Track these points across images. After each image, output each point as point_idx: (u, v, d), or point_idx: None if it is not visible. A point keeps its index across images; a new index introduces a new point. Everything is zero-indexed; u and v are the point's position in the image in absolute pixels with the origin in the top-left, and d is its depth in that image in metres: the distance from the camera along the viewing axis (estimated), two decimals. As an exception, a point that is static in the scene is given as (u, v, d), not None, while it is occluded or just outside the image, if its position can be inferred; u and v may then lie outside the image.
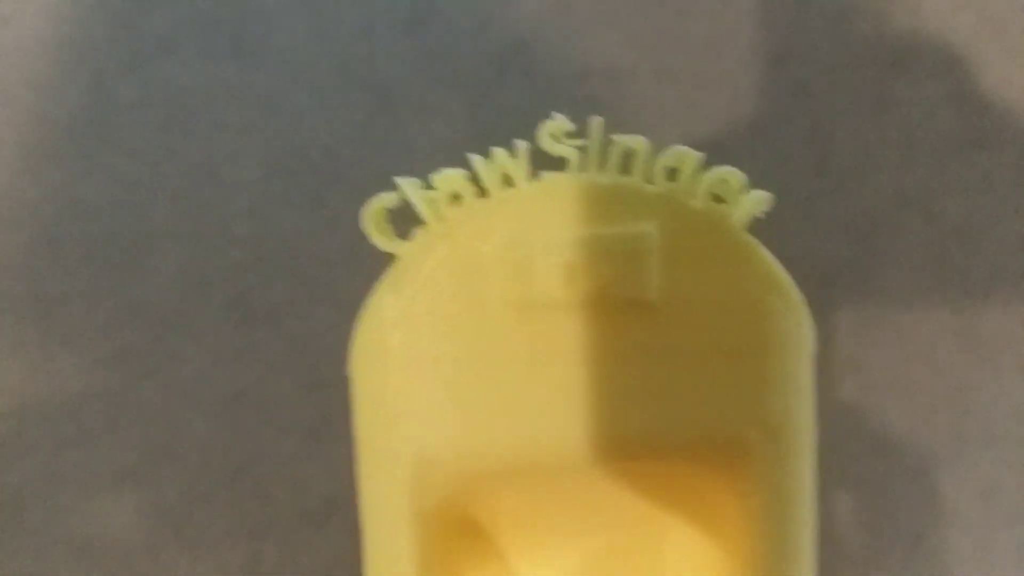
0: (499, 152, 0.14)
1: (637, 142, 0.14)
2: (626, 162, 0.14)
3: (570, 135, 0.14)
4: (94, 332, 0.28)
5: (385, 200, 0.15)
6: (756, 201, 0.13)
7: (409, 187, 0.14)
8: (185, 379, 0.28)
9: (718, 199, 0.14)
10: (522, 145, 0.14)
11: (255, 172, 0.29)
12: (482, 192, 0.14)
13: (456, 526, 0.13)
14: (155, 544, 0.27)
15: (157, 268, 0.29)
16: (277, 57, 0.30)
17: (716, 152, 0.29)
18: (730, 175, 0.14)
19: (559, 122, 0.14)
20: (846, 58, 0.29)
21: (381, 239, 0.14)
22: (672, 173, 0.14)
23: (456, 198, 0.14)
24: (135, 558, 0.27)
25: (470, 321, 0.13)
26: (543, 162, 0.15)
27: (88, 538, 0.27)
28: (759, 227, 0.15)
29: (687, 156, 0.14)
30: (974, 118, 0.28)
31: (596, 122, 0.14)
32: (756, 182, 0.28)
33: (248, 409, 0.27)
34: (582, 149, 0.14)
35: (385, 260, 0.16)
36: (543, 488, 0.14)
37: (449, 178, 0.14)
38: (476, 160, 0.14)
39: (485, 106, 0.28)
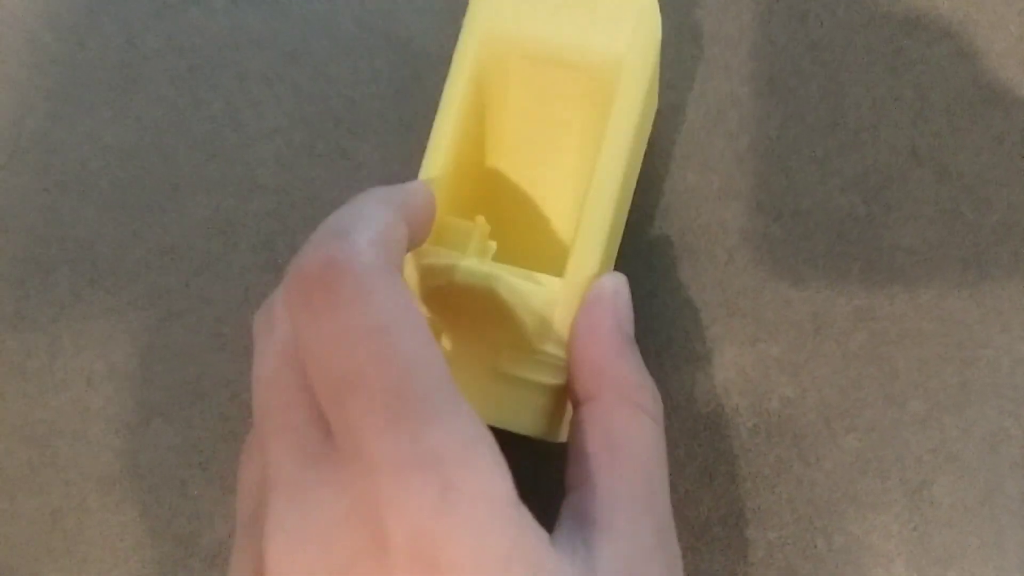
0: None
1: None
2: None
3: None
4: (124, 274, 0.29)
5: None
6: None
7: None
8: (212, 320, 0.28)
9: None
10: None
11: (279, 121, 0.30)
12: None
13: (485, 98, 0.25)
14: (183, 479, 0.27)
15: (185, 213, 0.29)
16: (301, 8, 0.30)
17: (735, 107, 0.29)
18: None
19: None
20: (862, 17, 0.29)
21: None
22: None
23: None
24: (163, 492, 0.27)
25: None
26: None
27: (117, 472, 0.28)
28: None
29: None
30: (987, 77, 0.28)
31: None
32: (773, 138, 0.28)
33: (274, 349, 0.28)
34: None
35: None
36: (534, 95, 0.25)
37: None
38: None
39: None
